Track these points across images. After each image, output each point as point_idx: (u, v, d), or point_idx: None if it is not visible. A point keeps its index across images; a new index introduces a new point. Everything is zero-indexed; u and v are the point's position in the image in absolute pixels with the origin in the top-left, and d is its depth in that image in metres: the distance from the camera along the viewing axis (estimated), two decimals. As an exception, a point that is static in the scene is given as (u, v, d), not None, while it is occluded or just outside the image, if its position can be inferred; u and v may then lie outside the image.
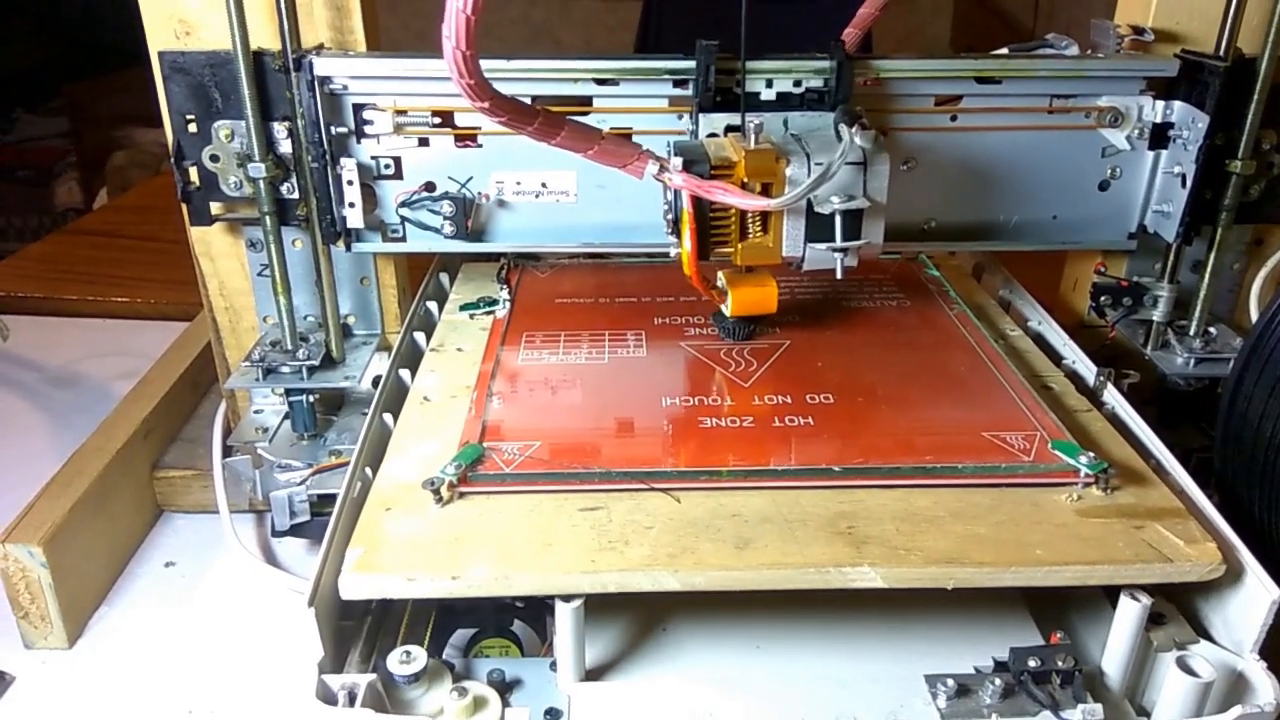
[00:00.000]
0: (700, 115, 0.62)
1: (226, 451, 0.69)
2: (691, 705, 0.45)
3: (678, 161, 0.55)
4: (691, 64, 0.62)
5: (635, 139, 0.65)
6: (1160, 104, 0.66)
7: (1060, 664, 0.44)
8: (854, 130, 0.55)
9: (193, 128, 0.62)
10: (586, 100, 0.64)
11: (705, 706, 0.45)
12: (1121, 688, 0.46)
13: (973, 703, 0.44)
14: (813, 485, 0.50)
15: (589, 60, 0.64)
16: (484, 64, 0.59)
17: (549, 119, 0.53)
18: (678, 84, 0.63)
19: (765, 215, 0.57)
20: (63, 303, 1.07)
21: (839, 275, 0.57)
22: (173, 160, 0.63)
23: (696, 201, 0.55)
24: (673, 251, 0.59)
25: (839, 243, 0.57)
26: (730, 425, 0.55)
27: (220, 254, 0.68)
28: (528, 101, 0.57)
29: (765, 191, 0.56)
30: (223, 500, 0.68)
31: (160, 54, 0.61)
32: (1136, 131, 0.67)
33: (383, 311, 0.72)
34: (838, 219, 0.56)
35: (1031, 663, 0.44)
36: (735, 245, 0.58)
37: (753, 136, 0.57)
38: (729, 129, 0.62)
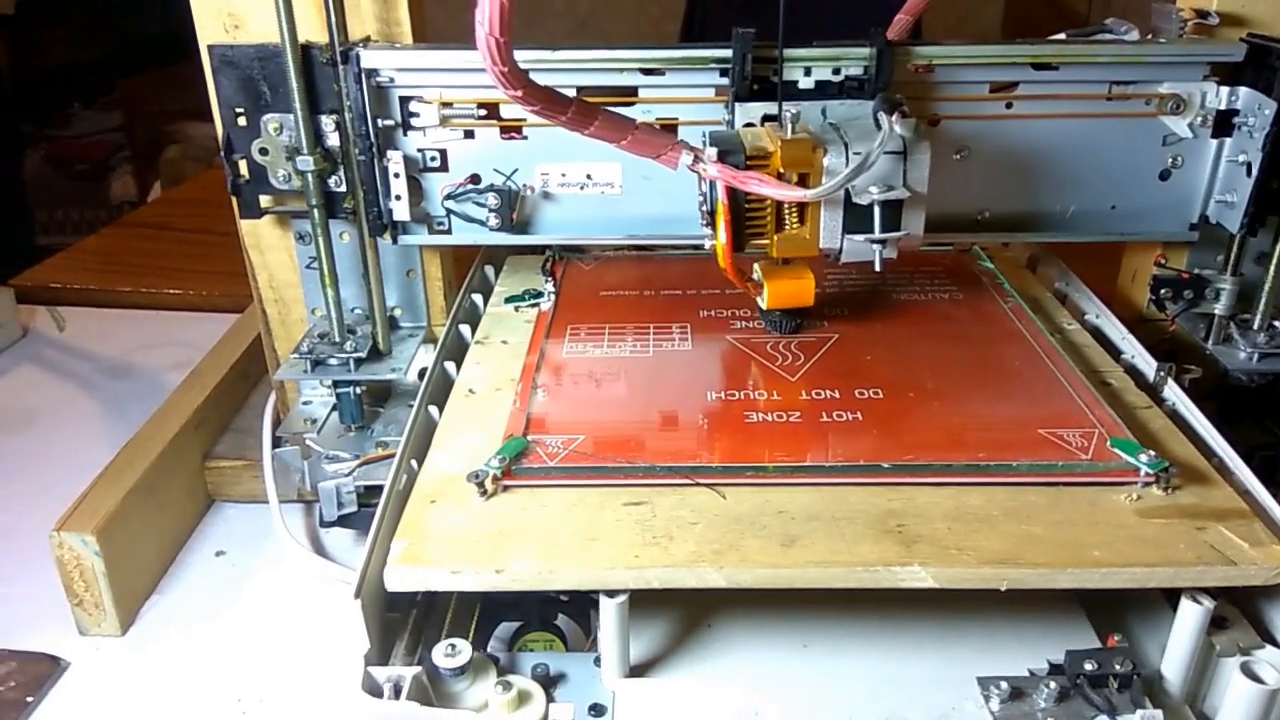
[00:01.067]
0: (736, 104, 0.61)
1: (276, 442, 0.70)
2: (737, 703, 0.44)
3: (712, 152, 0.54)
4: (737, 53, 0.61)
5: (681, 129, 0.64)
6: (1225, 90, 0.64)
7: (1118, 667, 0.42)
8: (894, 119, 0.54)
9: (242, 121, 0.63)
10: (632, 90, 0.64)
11: (751, 705, 0.44)
12: (1182, 693, 0.45)
13: (1026, 706, 0.43)
14: (861, 482, 0.49)
15: (634, 50, 0.63)
16: (529, 55, 0.58)
17: (582, 108, 0.52)
18: (724, 73, 0.62)
19: (802, 206, 0.56)
20: (117, 294, 1.08)
21: (878, 268, 0.56)
22: (222, 153, 0.63)
23: (731, 192, 0.54)
24: (707, 244, 0.58)
25: (877, 234, 0.56)
26: (777, 420, 0.54)
27: (269, 246, 0.69)
28: (572, 93, 0.57)
29: (802, 182, 0.54)
30: (272, 490, 0.69)
31: (210, 47, 0.61)
32: (1199, 119, 0.65)
33: (428, 304, 0.72)
34: (876, 210, 0.55)
35: (1088, 666, 0.43)
36: (771, 237, 0.57)
37: (789, 126, 0.56)
38: (766, 118, 0.61)
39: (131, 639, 0.63)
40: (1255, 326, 0.67)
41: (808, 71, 0.61)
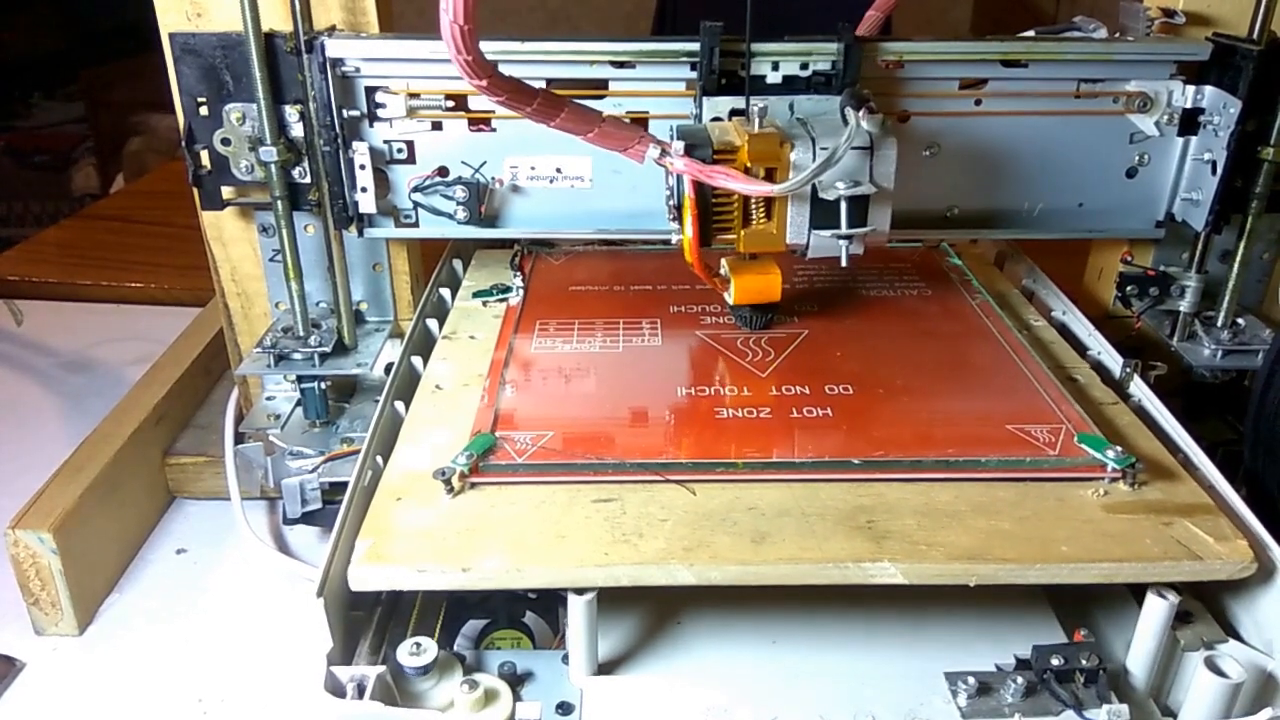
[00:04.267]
0: (704, 98, 0.61)
1: (238, 438, 0.69)
2: (706, 700, 0.44)
3: (679, 145, 0.54)
4: (708, 46, 0.60)
5: (651, 123, 0.64)
6: (1190, 89, 0.64)
7: (1084, 662, 0.43)
8: (860, 114, 0.54)
9: (204, 111, 0.62)
10: (603, 84, 0.63)
11: (720, 702, 0.44)
12: (1147, 687, 0.45)
13: (994, 701, 0.43)
14: (831, 478, 0.49)
15: (605, 43, 0.62)
16: (497, 45, 0.58)
17: (548, 100, 0.52)
18: (694, 67, 0.62)
19: (769, 201, 0.56)
20: (77, 288, 1.06)
21: (844, 263, 0.56)
22: (184, 144, 0.62)
23: (698, 187, 0.54)
24: (674, 238, 0.58)
25: (844, 229, 0.55)
26: (747, 416, 0.54)
27: (232, 239, 0.67)
28: (541, 85, 0.56)
29: (769, 177, 0.54)
30: (234, 487, 0.68)
31: (171, 36, 0.60)
32: (1166, 117, 0.65)
33: (395, 298, 0.71)
34: (843, 205, 0.55)
35: (1054, 661, 0.43)
36: (738, 232, 0.57)
37: (757, 120, 0.55)
38: (733, 113, 0.61)
39: (90, 639, 0.61)
40: (1219, 324, 0.68)
41: (775, 66, 0.61)
